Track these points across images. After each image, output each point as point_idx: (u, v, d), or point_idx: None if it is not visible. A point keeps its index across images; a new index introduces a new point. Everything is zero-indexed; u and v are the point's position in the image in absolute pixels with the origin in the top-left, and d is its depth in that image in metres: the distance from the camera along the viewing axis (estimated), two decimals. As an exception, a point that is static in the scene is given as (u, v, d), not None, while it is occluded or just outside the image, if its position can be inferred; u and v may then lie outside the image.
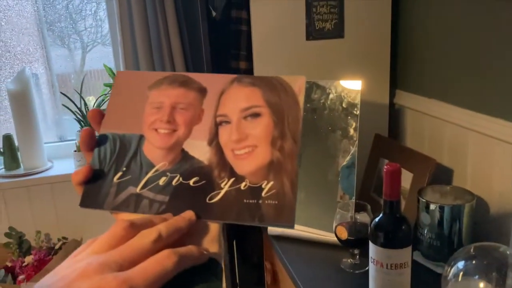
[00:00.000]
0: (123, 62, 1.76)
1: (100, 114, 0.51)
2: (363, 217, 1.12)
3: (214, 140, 0.49)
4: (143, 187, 0.46)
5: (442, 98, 1.30)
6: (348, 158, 1.21)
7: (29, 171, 1.95)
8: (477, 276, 0.75)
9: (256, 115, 0.48)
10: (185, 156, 0.48)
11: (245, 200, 0.45)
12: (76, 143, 2.02)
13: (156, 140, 0.49)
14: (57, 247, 1.92)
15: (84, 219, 1.83)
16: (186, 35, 1.79)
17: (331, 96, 1.24)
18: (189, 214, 0.44)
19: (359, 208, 1.13)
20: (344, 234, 1.10)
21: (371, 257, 0.88)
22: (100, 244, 0.37)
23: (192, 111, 0.50)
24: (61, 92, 2.08)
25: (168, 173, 0.47)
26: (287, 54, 1.38)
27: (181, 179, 0.47)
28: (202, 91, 0.51)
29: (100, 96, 2.07)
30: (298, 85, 0.49)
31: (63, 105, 2.06)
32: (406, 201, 1.24)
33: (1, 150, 1.98)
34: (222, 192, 0.45)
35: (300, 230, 1.24)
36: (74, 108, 2.02)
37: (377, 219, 0.89)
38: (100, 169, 0.47)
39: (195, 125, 0.49)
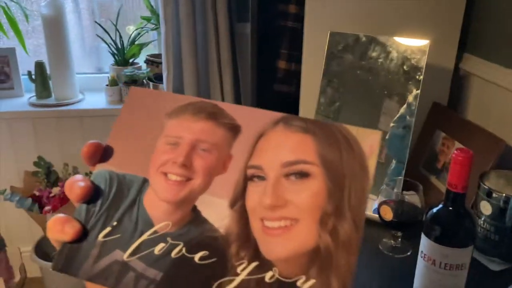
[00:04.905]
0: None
1: (98, 150, 0.37)
2: (412, 198, 0.99)
3: (239, 200, 0.35)
4: (132, 254, 0.34)
5: (522, 69, 1.11)
6: (396, 118, 1.07)
7: (60, 101, 1.89)
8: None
9: (304, 174, 0.34)
10: (196, 217, 0.35)
11: None
12: (108, 76, 1.93)
13: (163, 189, 0.36)
14: (84, 181, 1.89)
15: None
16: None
17: (391, 55, 1.08)
18: None
19: (408, 187, 1.01)
20: (389, 215, 0.98)
21: (422, 252, 0.77)
22: None
23: (216, 156, 0.37)
24: (95, 22, 1.97)
25: (168, 239, 0.34)
26: (344, 2, 1.20)
27: (184, 250, 0.34)
28: (235, 130, 0.37)
29: (136, 30, 1.95)
30: (370, 143, 0.34)
31: (97, 35, 1.95)
32: (462, 183, 1.10)
33: (33, 77, 1.91)
34: (237, 280, 0.32)
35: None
36: (109, 40, 1.91)
37: (435, 210, 0.76)
38: (86, 221, 0.35)
39: (217, 176, 0.36)
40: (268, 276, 0.32)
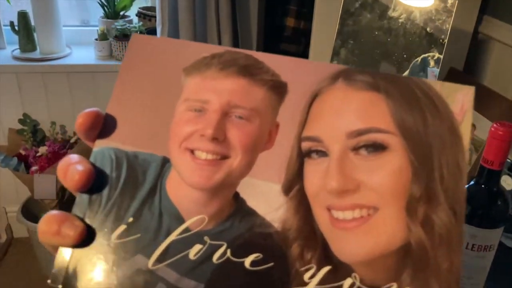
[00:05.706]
0: None
1: (97, 121, 0.28)
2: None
3: (295, 184, 0.27)
4: (159, 260, 0.26)
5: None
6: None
7: (46, 55, 1.77)
8: None
9: (378, 147, 0.26)
10: (240, 208, 0.27)
11: None
12: (97, 30, 1.80)
13: (190, 172, 0.28)
14: (72, 140, 1.81)
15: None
16: None
17: (413, 15, 0.99)
18: None
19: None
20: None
21: (447, 231, 0.72)
22: None
23: (258, 125, 0.28)
24: (83, -32, 1.81)
25: (206, 239, 0.27)
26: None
27: (229, 253, 0.26)
28: (280, 90, 0.28)
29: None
30: (461, 102, 0.27)
31: (85, -16, 1.81)
32: (479, 156, 1.04)
33: (16, 28, 1.78)
34: None
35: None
36: (97, -11, 1.77)
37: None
38: (90, 218, 0.27)
39: (261, 152, 0.28)
40: (346, 284, 0.25)
